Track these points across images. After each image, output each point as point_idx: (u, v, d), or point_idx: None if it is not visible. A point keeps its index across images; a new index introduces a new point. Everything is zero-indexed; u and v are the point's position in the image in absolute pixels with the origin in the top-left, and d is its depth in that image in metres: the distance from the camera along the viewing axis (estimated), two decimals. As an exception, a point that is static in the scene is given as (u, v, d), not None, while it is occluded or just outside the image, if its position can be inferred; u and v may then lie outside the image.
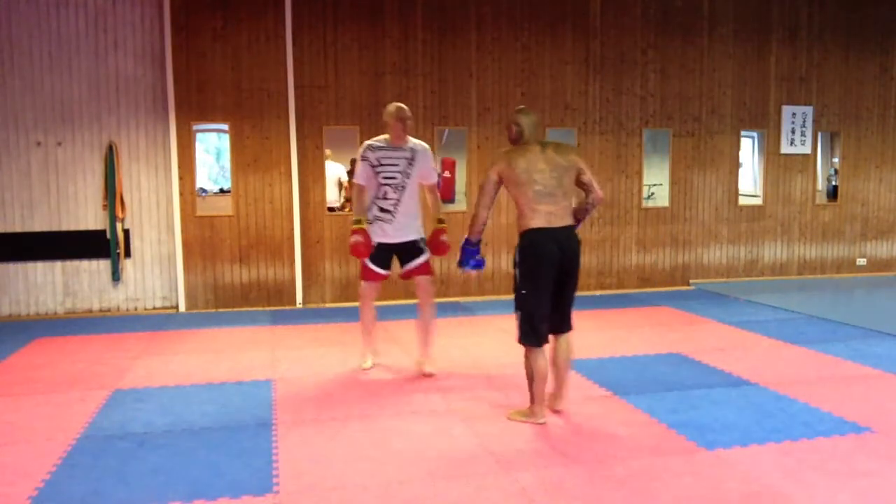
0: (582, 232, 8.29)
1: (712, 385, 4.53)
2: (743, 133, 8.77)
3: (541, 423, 3.84)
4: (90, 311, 7.12)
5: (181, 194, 7.15)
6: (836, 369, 4.89)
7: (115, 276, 7.10)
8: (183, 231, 7.19)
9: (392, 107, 4.70)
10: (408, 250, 4.80)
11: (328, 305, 7.57)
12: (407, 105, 7.57)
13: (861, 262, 9.31)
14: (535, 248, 3.72)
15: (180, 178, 7.14)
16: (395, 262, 4.89)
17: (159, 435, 3.74)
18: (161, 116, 7.10)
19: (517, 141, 3.87)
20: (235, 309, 7.32)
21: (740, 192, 8.87)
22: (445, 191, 9.82)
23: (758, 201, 8.95)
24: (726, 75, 8.51)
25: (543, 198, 3.71)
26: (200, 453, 3.49)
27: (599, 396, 4.34)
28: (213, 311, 7.27)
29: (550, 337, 3.90)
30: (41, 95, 6.85)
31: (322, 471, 3.27)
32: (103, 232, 7.06)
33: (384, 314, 7.02)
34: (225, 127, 7.33)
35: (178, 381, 4.73)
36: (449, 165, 9.41)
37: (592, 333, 6.09)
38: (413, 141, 4.77)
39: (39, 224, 6.96)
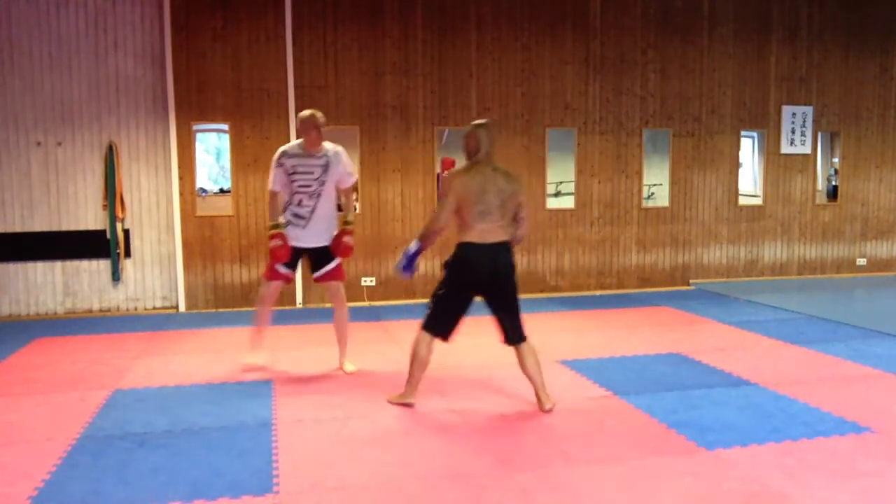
0: (582, 232, 8.32)
1: (712, 385, 4.53)
2: (743, 133, 8.77)
3: (409, 404, 4.15)
4: (90, 311, 7.12)
5: (181, 194, 7.15)
6: (836, 369, 4.89)
7: (115, 276, 7.10)
8: (183, 231, 7.19)
9: (306, 113, 4.60)
10: (319, 255, 4.77)
11: (328, 305, 7.53)
12: (407, 105, 7.66)
13: (861, 262, 9.32)
14: (467, 260, 3.94)
15: (180, 178, 7.15)
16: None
17: (159, 435, 3.73)
18: (161, 116, 7.10)
19: (473, 154, 3.99)
20: (235, 309, 7.32)
21: (740, 192, 8.87)
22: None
23: (758, 201, 8.95)
24: (726, 75, 8.52)
25: (484, 217, 3.90)
26: (200, 453, 3.49)
27: (599, 396, 4.34)
28: (213, 311, 7.27)
29: (515, 349, 4.10)
30: (41, 95, 6.86)
31: (322, 471, 3.27)
32: (103, 232, 7.06)
33: (383, 314, 7.03)
34: (225, 127, 7.33)
35: (178, 381, 4.73)
36: (449, 165, 9.41)
37: (592, 333, 6.10)
38: (327, 146, 4.70)
39: (39, 224, 6.96)
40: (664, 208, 8.54)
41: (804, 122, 8.83)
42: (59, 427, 3.86)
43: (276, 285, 4.86)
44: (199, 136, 7.51)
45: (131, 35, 7.01)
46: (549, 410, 4.06)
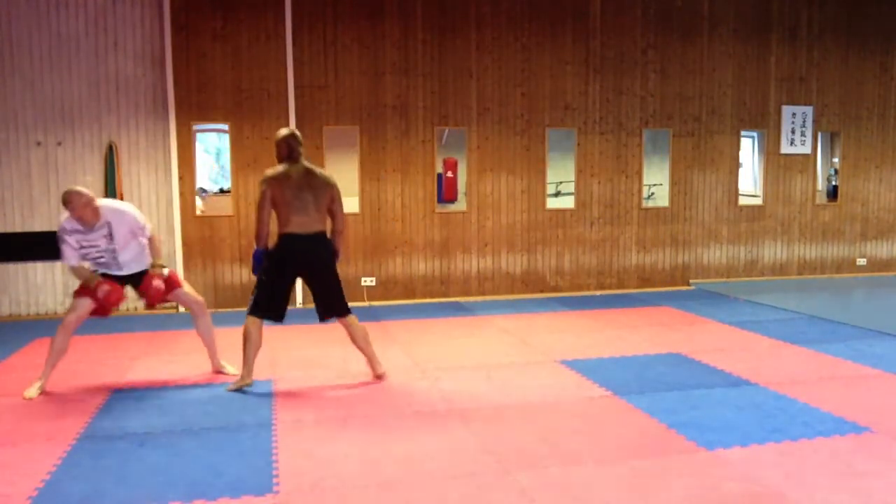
0: (582, 232, 8.31)
1: (712, 385, 4.53)
2: (743, 133, 8.77)
3: (249, 385, 4.51)
4: (90, 311, 7.11)
5: (181, 194, 7.15)
6: (836, 369, 4.89)
7: (115, 276, 7.09)
8: (183, 231, 7.19)
9: (72, 191, 4.29)
10: (140, 279, 4.60)
11: (328, 305, 7.56)
12: (407, 105, 7.65)
13: (861, 262, 9.32)
14: (285, 249, 4.44)
15: (180, 178, 7.15)
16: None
17: (159, 435, 3.74)
18: (161, 116, 7.10)
19: (285, 158, 4.46)
20: (235, 309, 7.31)
21: (740, 192, 8.87)
22: (448, 191, 9.82)
23: (758, 201, 8.95)
24: (726, 75, 8.52)
25: (299, 211, 4.39)
26: (200, 453, 3.49)
27: (599, 396, 4.34)
28: (213, 311, 7.24)
29: (342, 324, 4.63)
30: (41, 95, 6.85)
31: (322, 471, 3.27)
32: (103, 232, 7.05)
33: (383, 314, 7.03)
34: (225, 127, 7.33)
35: (178, 381, 4.73)
36: (451, 165, 9.42)
37: (592, 333, 6.10)
38: (105, 212, 4.39)
39: (39, 224, 6.96)
40: (664, 208, 8.54)
41: (804, 122, 8.83)
42: (59, 427, 3.86)
43: (90, 304, 4.51)
44: (199, 136, 7.51)
45: (131, 35, 7.01)
46: (382, 375, 4.68)
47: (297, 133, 4.53)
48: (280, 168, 4.43)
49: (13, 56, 6.78)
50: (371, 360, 4.71)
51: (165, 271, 4.67)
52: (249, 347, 4.51)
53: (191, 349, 5.63)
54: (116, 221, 4.43)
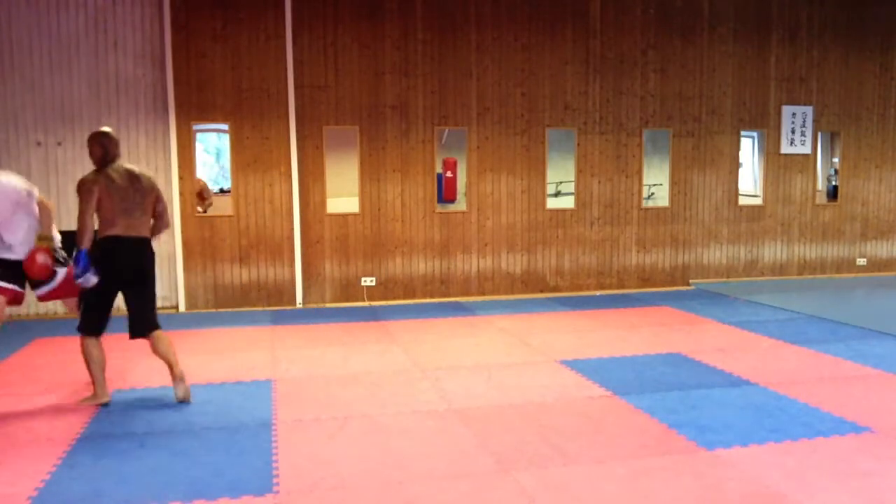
0: (582, 232, 8.29)
1: (712, 385, 4.53)
2: (743, 133, 8.77)
3: (104, 403, 4.25)
4: (90, 311, 7.11)
5: (181, 194, 7.15)
6: (836, 369, 4.89)
7: (115, 276, 7.10)
8: (183, 231, 7.19)
9: None
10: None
11: (328, 305, 7.57)
12: (407, 105, 7.66)
13: (861, 262, 9.32)
14: (112, 253, 4.16)
15: (180, 178, 7.14)
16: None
17: (159, 435, 3.74)
18: (161, 116, 7.10)
19: (101, 158, 4.20)
20: (235, 309, 7.32)
21: (740, 192, 8.87)
22: (448, 191, 9.82)
23: (758, 201, 8.95)
24: (726, 75, 8.52)
25: (126, 213, 4.17)
26: (200, 453, 3.49)
27: (599, 396, 4.34)
28: (213, 310, 7.27)
29: (150, 338, 4.30)
30: (41, 95, 6.85)
31: (322, 471, 3.27)
32: (103, 232, 7.06)
33: (383, 314, 7.03)
34: (225, 127, 7.33)
35: (178, 381, 4.73)
36: (451, 165, 9.42)
37: (592, 333, 6.10)
38: None
39: (39, 224, 6.96)
40: (664, 208, 8.54)
41: (804, 122, 8.83)
42: (59, 427, 3.86)
43: (3, 303, 4.25)
44: (199, 136, 7.51)
45: (131, 35, 7.01)
46: (184, 401, 4.27)
47: (111, 131, 4.25)
48: (101, 170, 4.15)
49: (13, 56, 6.78)
50: (175, 379, 4.29)
51: (60, 255, 4.36)
52: (94, 366, 4.25)
53: (191, 349, 5.63)
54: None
